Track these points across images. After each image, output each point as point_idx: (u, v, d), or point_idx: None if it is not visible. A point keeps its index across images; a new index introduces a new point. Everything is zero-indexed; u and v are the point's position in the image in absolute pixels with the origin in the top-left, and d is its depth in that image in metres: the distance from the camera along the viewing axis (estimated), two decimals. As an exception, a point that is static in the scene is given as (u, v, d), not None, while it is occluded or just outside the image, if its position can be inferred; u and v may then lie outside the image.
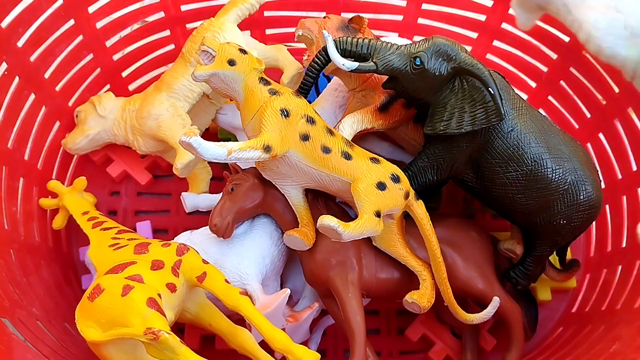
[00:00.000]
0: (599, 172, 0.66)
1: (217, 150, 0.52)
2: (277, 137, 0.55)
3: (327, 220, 0.53)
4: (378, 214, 0.56)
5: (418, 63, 0.59)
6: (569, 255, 0.75)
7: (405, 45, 0.61)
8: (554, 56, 0.77)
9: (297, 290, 0.69)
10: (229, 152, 0.52)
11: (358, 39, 0.60)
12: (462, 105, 0.59)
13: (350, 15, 0.68)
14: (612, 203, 0.74)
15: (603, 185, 0.70)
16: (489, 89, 0.57)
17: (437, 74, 0.59)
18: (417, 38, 0.83)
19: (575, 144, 0.64)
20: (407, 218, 0.62)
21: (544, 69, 0.79)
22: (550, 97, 0.80)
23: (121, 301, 0.48)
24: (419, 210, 0.60)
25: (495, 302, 0.62)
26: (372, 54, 0.60)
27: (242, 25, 0.74)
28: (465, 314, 0.62)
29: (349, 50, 0.60)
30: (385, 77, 0.63)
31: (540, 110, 0.76)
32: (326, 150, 0.57)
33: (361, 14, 0.67)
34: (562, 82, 0.78)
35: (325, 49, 0.61)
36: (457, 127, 0.59)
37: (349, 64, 0.59)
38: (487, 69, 0.58)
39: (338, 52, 0.60)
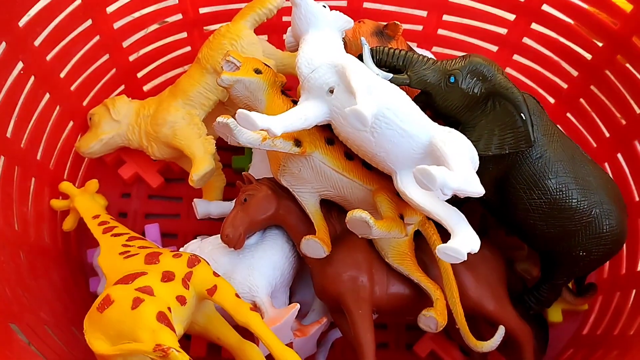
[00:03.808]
0: (626, 208, 0.64)
1: (252, 136, 0.53)
2: (306, 136, 0.57)
3: (359, 213, 0.52)
4: (402, 217, 0.57)
5: (452, 80, 0.58)
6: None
7: (442, 61, 0.60)
8: (575, 73, 0.76)
9: (306, 302, 0.68)
10: (264, 138, 0.53)
11: (395, 50, 0.59)
12: (492, 127, 0.58)
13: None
14: (629, 226, 0.72)
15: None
16: (521, 114, 0.56)
17: (470, 93, 0.58)
18: (436, 49, 0.82)
19: (605, 177, 0.62)
20: (418, 236, 0.62)
21: (564, 85, 0.77)
22: (568, 114, 0.79)
23: (131, 314, 0.47)
24: (431, 228, 0.60)
25: (501, 331, 0.60)
26: (407, 66, 0.59)
27: (260, 30, 0.73)
28: (475, 340, 0.60)
29: (385, 60, 0.59)
30: (416, 91, 0.61)
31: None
32: (349, 156, 0.58)
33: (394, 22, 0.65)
34: (581, 100, 0.77)
35: (360, 57, 0.59)
36: (484, 149, 0.57)
37: (383, 75, 0.58)
38: (521, 93, 0.57)
39: (373, 61, 0.59)
